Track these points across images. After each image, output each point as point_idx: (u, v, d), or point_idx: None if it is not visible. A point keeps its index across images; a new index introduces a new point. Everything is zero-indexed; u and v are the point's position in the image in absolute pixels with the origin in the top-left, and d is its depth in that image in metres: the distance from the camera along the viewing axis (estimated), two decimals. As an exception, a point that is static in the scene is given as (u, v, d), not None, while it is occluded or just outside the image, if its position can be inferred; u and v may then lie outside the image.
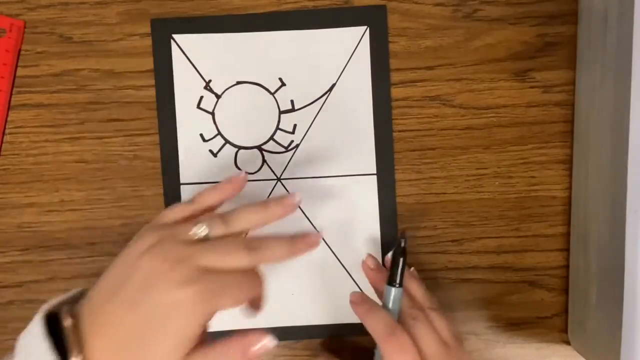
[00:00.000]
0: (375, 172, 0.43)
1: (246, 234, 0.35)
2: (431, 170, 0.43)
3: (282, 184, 0.43)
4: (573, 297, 0.42)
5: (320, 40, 0.43)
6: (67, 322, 0.30)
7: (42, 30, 0.43)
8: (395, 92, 0.43)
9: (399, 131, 0.43)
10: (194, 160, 0.43)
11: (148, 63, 0.43)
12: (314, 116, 0.43)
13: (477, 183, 0.43)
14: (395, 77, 0.43)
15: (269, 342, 0.31)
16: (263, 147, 0.43)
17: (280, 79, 0.43)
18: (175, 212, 0.34)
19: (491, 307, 0.43)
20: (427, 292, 0.39)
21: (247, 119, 0.43)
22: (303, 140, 0.43)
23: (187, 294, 0.30)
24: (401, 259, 0.37)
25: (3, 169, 0.43)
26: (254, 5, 0.42)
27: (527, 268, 0.43)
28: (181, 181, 0.43)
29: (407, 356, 0.34)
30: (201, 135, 0.43)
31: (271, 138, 0.43)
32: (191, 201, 0.35)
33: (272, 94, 0.43)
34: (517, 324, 0.43)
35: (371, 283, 0.40)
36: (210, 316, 0.31)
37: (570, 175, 0.43)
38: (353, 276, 0.43)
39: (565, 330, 0.43)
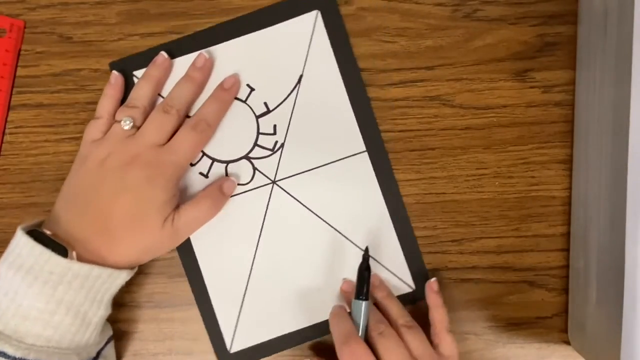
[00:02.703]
0: (364, 149, 0.42)
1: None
2: (431, 170, 0.43)
3: (279, 186, 0.42)
4: (573, 297, 0.42)
5: (275, 37, 0.42)
6: (49, 233, 0.36)
7: (42, 30, 0.43)
8: (395, 92, 0.43)
9: (399, 131, 0.43)
10: (187, 185, 0.42)
11: (148, 63, 0.43)
12: (291, 111, 0.42)
13: (477, 183, 0.43)
14: (395, 77, 0.43)
15: (232, 180, 0.42)
16: (250, 155, 0.43)
17: (248, 85, 0.42)
18: (102, 121, 0.40)
19: (491, 307, 0.43)
20: (404, 310, 0.40)
21: (227, 132, 0.42)
22: (287, 138, 0.43)
23: (156, 173, 0.38)
24: (366, 274, 0.39)
25: (3, 169, 0.43)
26: (254, 5, 0.42)
27: (527, 268, 0.43)
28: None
29: None
30: None
31: (255, 144, 0.43)
32: (126, 104, 0.40)
33: (244, 101, 0.42)
34: (517, 324, 0.43)
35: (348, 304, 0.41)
36: (181, 173, 0.40)
37: (570, 175, 0.43)
38: (374, 257, 0.42)
39: (565, 330, 0.43)
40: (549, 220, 0.43)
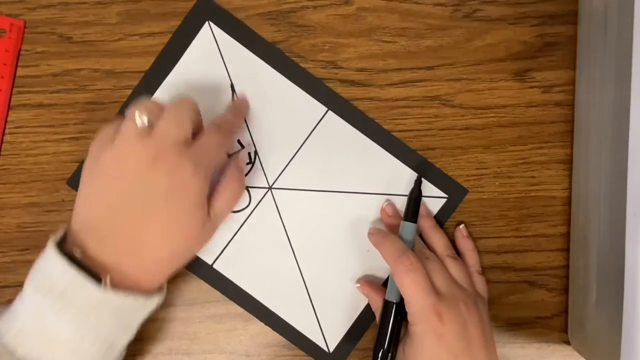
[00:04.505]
0: (326, 108, 0.42)
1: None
2: (431, 170, 0.43)
3: (277, 188, 0.42)
4: (573, 297, 0.42)
5: (189, 65, 0.42)
6: (78, 253, 0.34)
7: (42, 30, 0.43)
8: (395, 92, 0.43)
9: (399, 131, 0.43)
10: None
11: (148, 63, 0.43)
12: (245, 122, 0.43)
13: (477, 183, 0.43)
14: (395, 77, 0.43)
15: (241, 157, 0.41)
16: None
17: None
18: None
19: (491, 307, 0.43)
20: (450, 243, 0.41)
21: None
22: (256, 144, 0.43)
23: (185, 168, 0.34)
24: (415, 198, 0.40)
25: (3, 169, 0.43)
26: (254, 5, 0.42)
27: (527, 268, 0.43)
28: None
29: (416, 273, 0.36)
30: None
31: None
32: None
33: None
34: (517, 324, 0.43)
35: (389, 229, 0.42)
36: (210, 173, 0.36)
37: (570, 175, 0.43)
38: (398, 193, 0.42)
39: (565, 330, 0.43)
40: (549, 220, 0.43)
